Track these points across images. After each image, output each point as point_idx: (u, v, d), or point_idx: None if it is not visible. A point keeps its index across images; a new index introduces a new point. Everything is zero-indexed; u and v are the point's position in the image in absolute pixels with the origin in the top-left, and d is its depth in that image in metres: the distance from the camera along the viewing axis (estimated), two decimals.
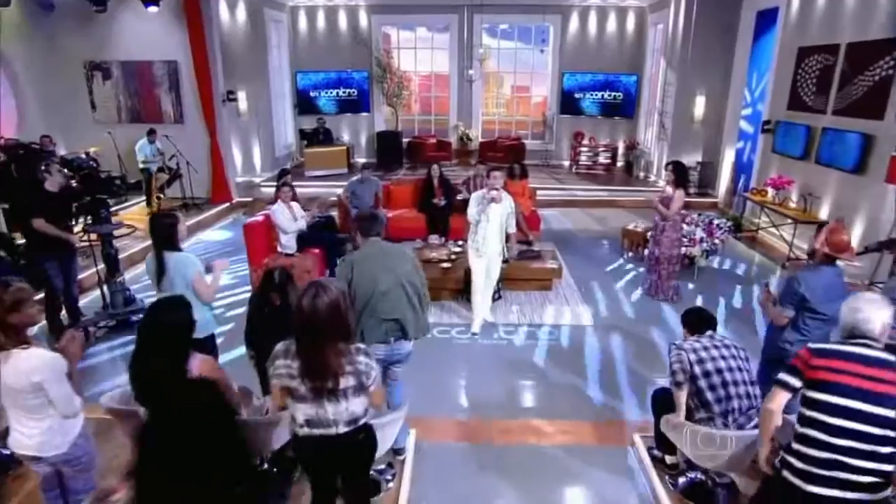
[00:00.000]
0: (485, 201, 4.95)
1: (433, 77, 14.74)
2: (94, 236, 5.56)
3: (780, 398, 2.30)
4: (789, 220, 7.43)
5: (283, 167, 9.61)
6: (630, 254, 7.53)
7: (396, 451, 3.48)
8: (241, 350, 3.85)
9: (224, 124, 9.85)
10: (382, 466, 3.37)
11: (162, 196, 8.77)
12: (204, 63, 9.29)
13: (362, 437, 2.43)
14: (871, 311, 2.19)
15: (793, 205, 7.67)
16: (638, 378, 4.57)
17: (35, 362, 2.40)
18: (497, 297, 5.83)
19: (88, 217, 5.49)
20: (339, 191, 8.19)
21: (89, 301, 5.79)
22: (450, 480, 3.41)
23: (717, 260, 7.18)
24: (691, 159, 10.35)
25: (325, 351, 2.24)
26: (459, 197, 7.50)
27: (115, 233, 5.62)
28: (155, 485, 1.94)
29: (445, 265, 6.03)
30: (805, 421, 2.20)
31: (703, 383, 2.95)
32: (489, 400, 4.27)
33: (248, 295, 5.40)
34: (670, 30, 10.89)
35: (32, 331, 2.58)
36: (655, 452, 3.50)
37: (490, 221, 5.00)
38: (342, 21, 13.22)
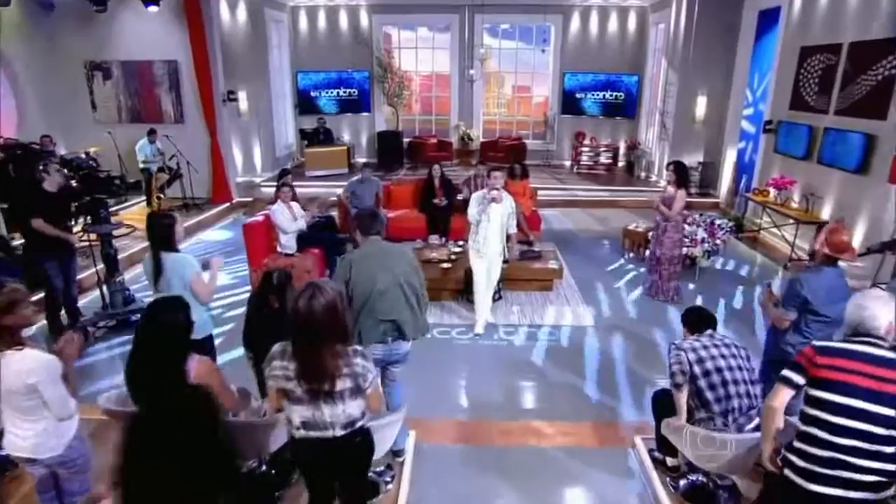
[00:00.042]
0: (485, 201, 4.93)
1: (434, 77, 14.72)
2: (93, 236, 5.56)
3: (783, 395, 2.27)
4: (791, 221, 7.39)
5: (284, 167, 9.60)
6: (631, 254, 7.51)
7: (396, 452, 3.47)
8: (241, 351, 3.84)
9: (224, 124, 9.85)
10: (382, 468, 3.35)
11: (162, 196, 8.76)
12: (204, 63, 9.29)
13: (359, 440, 2.41)
14: (878, 309, 2.16)
15: (795, 205, 7.63)
16: (638, 379, 4.55)
17: (30, 364, 2.38)
18: (497, 297, 5.81)
19: (88, 217, 5.49)
20: (340, 191, 8.18)
21: (89, 301, 5.79)
22: (449, 482, 3.39)
23: (718, 260, 7.15)
24: (693, 159, 10.33)
25: (321, 353, 2.22)
26: (460, 197, 7.48)
27: (115, 233, 5.63)
28: (138, 491, 1.92)
29: (446, 265, 6.02)
30: (808, 419, 2.18)
31: (702, 383, 2.93)
32: (489, 401, 4.25)
33: (247, 295, 5.37)
34: (672, 29, 10.86)
35: (31, 331, 2.56)
36: (656, 454, 3.47)
37: (491, 221, 4.97)
38: (343, 21, 13.21)
